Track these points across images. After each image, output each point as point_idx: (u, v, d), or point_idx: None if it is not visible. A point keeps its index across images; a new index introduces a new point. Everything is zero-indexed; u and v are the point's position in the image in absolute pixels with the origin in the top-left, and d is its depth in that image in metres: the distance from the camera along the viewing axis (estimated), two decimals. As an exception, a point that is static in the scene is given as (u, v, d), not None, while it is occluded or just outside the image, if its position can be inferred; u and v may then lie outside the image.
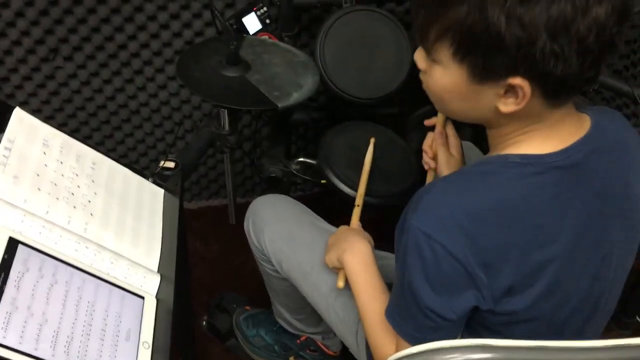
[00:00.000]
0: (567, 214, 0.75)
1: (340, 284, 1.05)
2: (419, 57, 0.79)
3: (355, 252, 1.03)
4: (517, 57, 0.66)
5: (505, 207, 0.73)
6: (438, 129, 1.10)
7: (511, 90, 0.70)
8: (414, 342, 0.79)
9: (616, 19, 0.66)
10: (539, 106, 0.72)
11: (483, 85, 0.72)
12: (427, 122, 1.12)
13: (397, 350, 0.84)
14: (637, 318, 1.70)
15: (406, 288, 0.77)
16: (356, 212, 1.20)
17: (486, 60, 0.69)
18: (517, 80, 0.68)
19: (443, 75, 0.75)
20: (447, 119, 1.11)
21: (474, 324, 0.81)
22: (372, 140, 1.33)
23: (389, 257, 1.14)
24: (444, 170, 1.09)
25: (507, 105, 0.72)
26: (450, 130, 1.11)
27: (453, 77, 0.74)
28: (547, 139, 0.76)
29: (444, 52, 0.72)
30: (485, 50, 0.68)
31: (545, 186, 0.74)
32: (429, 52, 0.75)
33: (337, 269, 1.08)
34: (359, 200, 1.23)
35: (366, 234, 1.11)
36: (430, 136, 1.11)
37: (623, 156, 0.82)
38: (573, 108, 0.78)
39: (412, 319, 0.79)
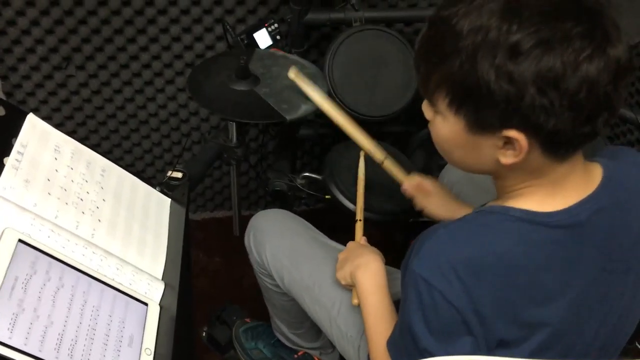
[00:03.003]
0: (568, 273, 0.75)
1: (355, 301, 1.05)
2: (425, 108, 0.80)
3: (369, 271, 1.03)
4: (508, 110, 0.67)
5: (503, 263, 0.73)
6: (403, 186, 1.20)
7: (509, 142, 0.71)
8: None
9: (610, 76, 0.66)
10: (539, 160, 0.72)
11: (481, 137, 0.73)
12: (403, 190, 1.21)
13: None
14: (637, 344, 1.70)
15: (405, 330, 0.78)
16: (359, 227, 1.21)
17: (479, 112, 0.70)
18: (512, 133, 0.69)
19: (444, 126, 0.76)
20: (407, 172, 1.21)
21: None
22: (362, 154, 1.34)
23: (396, 272, 1.15)
24: (430, 209, 1.18)
25: (507, 157, 0.72)
26: (416, 179, 1.20)
27: (452, 127, 0.75)
28: (550, 196, 0.75)
29: (441, 103, 0.74)
30: (477, 102, 0.69)
31: (545, 245, 0.74)
32: (431, 103, 0.77)
33: (349, 286, 1.08)
34: (359, 215, 1.24)
35: (376, 250, 1.11)
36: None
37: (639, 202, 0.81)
38: (580, 161, 0.77)
39: (409, 357, 0.79)
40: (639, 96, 1.79)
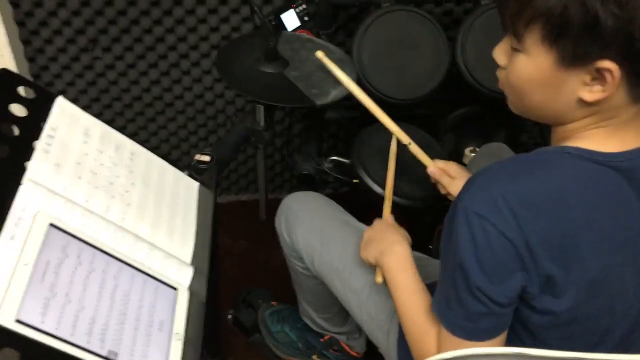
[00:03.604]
0: (619, 215, 0.75)
1: (379, 279, 1.03)
2: (499, 53, 0.79)
3: (394, 255, 1.01)
4: (612, 38, 0.66)
5: (558, 197, 0.72)
6: (429, 169, 1.17)
7: (598, 76, 0.70)
8: (462, 334, 0.79)
9: None
10: (621, 97, 0.72)
11: (570, 72, 0.71)
12: (429, 172, 1.18)
13: (438, 347, 0.84)
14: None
15: (457, 271, 0.76)
16: (387, 205, 1.19)
17: (578, 43, 0.68)
18: (607, 64, 0.68)
19: (527, 64, 0.75)
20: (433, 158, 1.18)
21: (516, 323, 0.80)
22: (394, 136, 1.32)
23: (423, 259, 1.14)
24: (454, 192, 1.14)
25: (593, 93, 0.71)
26: (440, 163, 1.17)
27: (539, 65, 0.73)
28: (612, 137, 0.75)
29: (532, 39, 0.72)
30: (578, 32, 0.67)
31: (600, 183, 0.74)
32: (518, 39, 0.74)
33: (373, 267, 1.07)
34: (388, 193, 1.22)
35: (403, 230, 1.10)
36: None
37: None
38: None
39: (462, 306, 0.78)
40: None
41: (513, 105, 0.83)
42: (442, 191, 1.18)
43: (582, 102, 0.73)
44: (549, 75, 0.73)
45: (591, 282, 0.75)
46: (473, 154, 1.66)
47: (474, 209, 0.73)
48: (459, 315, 0.78)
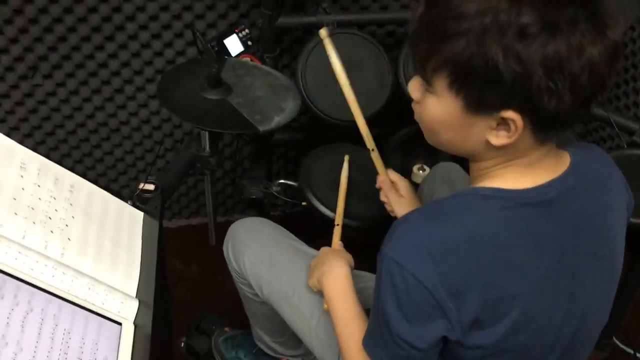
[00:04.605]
0: (537, 250, 0.76)
1: (326, 306, 1.05)
2: (413, 88, 0.81)
3: (333, 277, 1.04)
4: (512, 91, 0.68)
5: (474, 240, 0.74)
6: (380, 177, 1.19)
7: (503, 123, 0.72)
8: None
9: (608, 60, 0.68)
10: (527, 141, 0.74)
11: (476, 117, 0.73)
12: (378, 185, 1.20)
13: None
14: (614, 339, 1.72)
15: (380, 315, 0.78)
16: (337, 232, 1.20)
17: (482, 92, 0.70)
18: (510, 114, 0.70)
19: (437, 106, 0.76)
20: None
21: (448, 356, 0.81)
22: (347, 158, 1.33)
23: (370, 278, 1.15)
24: (398, 211, 1.17)
25: (499, 138, 0.74)
26: (394, 176, 1.19)
27: (447, 108, 0.75)
28: (523, 175, 0.77)
29: (441, 83, 0.74)
30: (481, 83, 0.69)
31: (515, 221, 0.75)
32: (428, 83, 0.76)
33: (321, 293, 1.08)
34: (338, 219, 1.23)
35: (347, 254, 1.12)
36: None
37: (601, 195, 0.84)
38: (554, 146, 0.79)
39: (385, 347, 0.80)
40: (609, 93, 1.81)
41: (427, 138, 0.85)
42: (388, 208, 1.20)
43: (491, 145, 0.75)
44: (457, 119, 0.75)
45: (515, 320, 0.76)
46: (422, 172, 1.69)
47: (395, 257, 0.74)
48: (384, 354, 0.81)
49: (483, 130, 0.74)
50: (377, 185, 1.21)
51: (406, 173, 1.62)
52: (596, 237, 0.82)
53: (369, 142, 1.21)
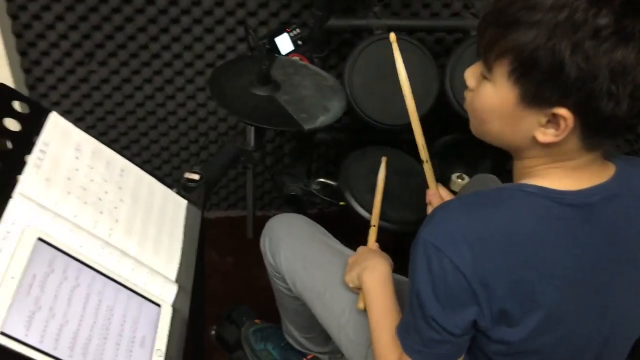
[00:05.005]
0: (573, 252, 0.77)
1: (361, 305, 1.07)
2: (470, 75, 0.82)
3: (376, 271, 1.05)
4: (571, 88, 0.68)
5: (510, 234, 0.75)
6: (431, 191, 1.18)
7: (554, 120, 0.73)
8: (419, 359, 0.82)
9: None
10: (573, 144, 0.75)
11: (528, 111, 0.74)
12: (428, 199, 1.19)
13: None
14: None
15: (414, 299, 0.80)
16: (372, 233, 1.21)
17: (540, 85, 0.71)
18: (562, 111, 0.71)
19: (492, 94, 0.77)
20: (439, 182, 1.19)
21: (475, 349, 0.82)
22: (384, 159, 1.34)
23: (404, 282, 1.16)
24: None
25: (546, 135, 0.74)
26: (443, 191, 1.18)
27: (501, 97, 0.76)
28: (568, 177, 0.78)
29: (500, 70, 0.75)
30: (541, 75, 0.70)
31: (554, 221, 0.76)
32: (488, 69, 0.77)
33: (357, 289, 1.10)
34: (374, 221, 1.24)
35: (386, 255, 1.13)
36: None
37: None
38: (600, 155, 0.79)
39: (419, 332, 0.81)
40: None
41: (473, 127, 0.86)
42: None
43: (536, 142, 0.76)
44: (510, 110, 0.76)
45: (544, 317, 0.77)
46: (460, 180, 1.69)
47: (433, 241, 0.76)
48: (416, 341, 0.82)
49: (532, 125, 0.75)
50: (427, 200, 1.20)
51: (445, 180, 1.62)
52: (636, 247, 0.82)
53: (424, 153, 1.21)
